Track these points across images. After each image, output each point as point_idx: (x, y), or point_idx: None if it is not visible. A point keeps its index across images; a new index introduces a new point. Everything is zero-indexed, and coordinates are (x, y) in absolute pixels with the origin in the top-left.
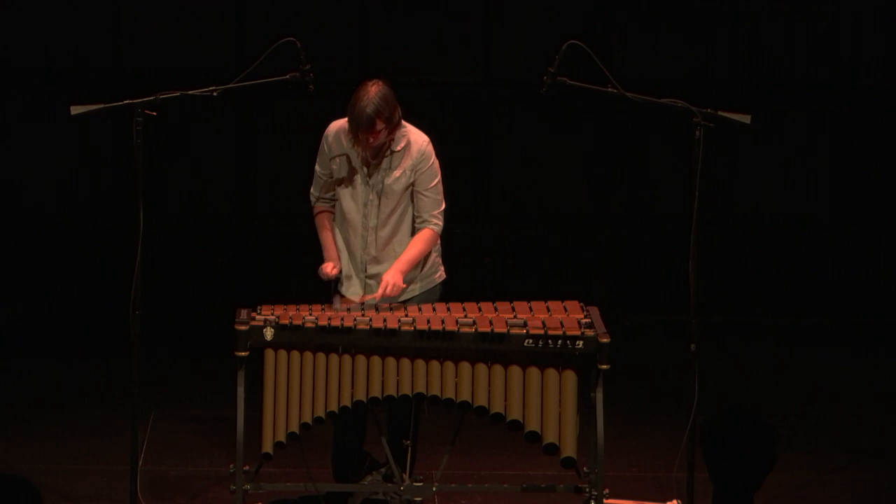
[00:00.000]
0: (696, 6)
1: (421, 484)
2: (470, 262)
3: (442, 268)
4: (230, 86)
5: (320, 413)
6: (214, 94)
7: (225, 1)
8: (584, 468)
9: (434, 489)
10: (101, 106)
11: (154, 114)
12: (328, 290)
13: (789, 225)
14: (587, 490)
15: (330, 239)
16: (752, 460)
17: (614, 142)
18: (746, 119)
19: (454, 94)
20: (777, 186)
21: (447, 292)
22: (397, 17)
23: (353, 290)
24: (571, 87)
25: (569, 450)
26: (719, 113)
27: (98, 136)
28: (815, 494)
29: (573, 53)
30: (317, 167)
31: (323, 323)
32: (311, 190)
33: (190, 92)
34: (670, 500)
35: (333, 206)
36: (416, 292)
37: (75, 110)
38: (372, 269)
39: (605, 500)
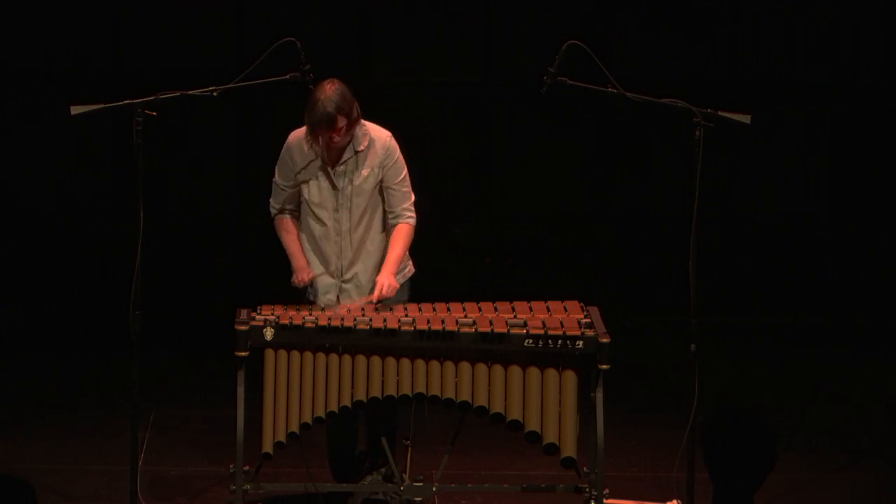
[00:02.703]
0: (696, 6)
1: (421, 484)
2: (470, 262)
3: (411, 261)
4: (230, 86)
5: (320, 413)
6: (214, 94)
7: (225, 1)
8: (584, 468)
9: (434, 489)
10: (101, 106)
11: (154, 114)
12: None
13: (789, 225)
14: (587, 490)
15: (296, 244)
16: (752, 460)
17: (614, 142)
18: (746, 119)
19: (454, 94)
20: (777, 186)
21: (445, 293)
22: (397, 17)
23: (327, 298)
24: (571, 87)
25: (569, 450)
26: (719, 113)
27: (98, 136)
28: (815, 494)
29: (573, 53)
30: (277, 178)
31: (323, 323)
32: (271, 201)
33: (190, 92)
34: (670, 500)
35: (295, 215)
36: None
37: (75, 110)
38: (349, 273)
39: (605, 500)
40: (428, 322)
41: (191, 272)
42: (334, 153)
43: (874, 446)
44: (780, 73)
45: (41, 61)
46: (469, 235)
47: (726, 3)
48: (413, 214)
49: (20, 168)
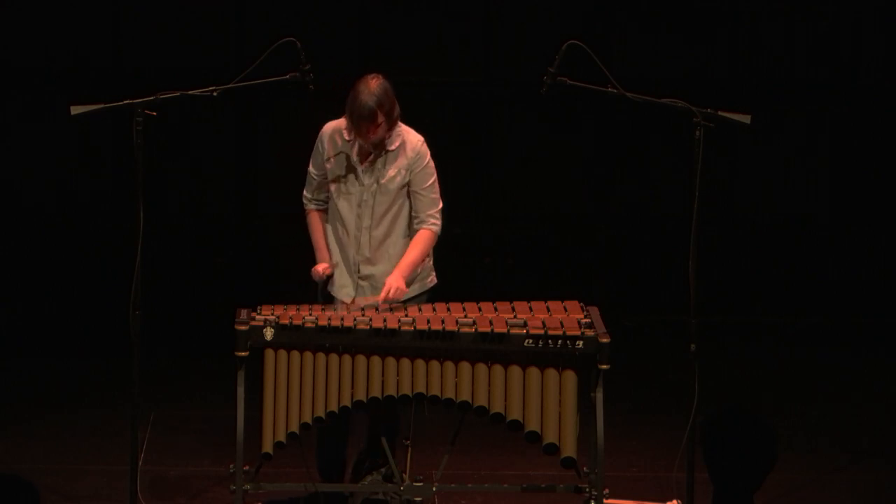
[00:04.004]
0: (696, 6)
1: (421, 484)
2: (470, 262)
3: (434, 273)
4: (230, 86)
5: (320, 413)
6: (214, 94)
7: (225, 1)
8: (584, 468)
9: (434, 489)
10: (101, 106)
11: (154, 114)
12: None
13: (789, 225)
14: (587, 490)
15: (322, 240)
16: (752, 460)
17: (614, 142)
18: (746, 119)
19: (454, 94)
20: (777, 186)
21: (445, 293)
22: (397, 17)
23: (345, 292)
24: (571, 87)
25: (569, 450)
26: (719, 113)
27: (98, 136)
28: (815, 494)
29: (573, 53)
30: (310, 168)
31: (323, 323)
32: (304, 192)
33: (190, 92)
34: (670, 500)
35: (326, 208)
36: (412, 294)
37: (75, 110)
38: (365, 270)
39: (605, 500)
40: (428, 322)
41: (191, 272)
42: (366, 148)
43: (874, 446)
44: (780, 73)
45: (41, 61)
46: (469, 235)
47: (726, 3)
48: (437, 222)
49: (20, 168)
